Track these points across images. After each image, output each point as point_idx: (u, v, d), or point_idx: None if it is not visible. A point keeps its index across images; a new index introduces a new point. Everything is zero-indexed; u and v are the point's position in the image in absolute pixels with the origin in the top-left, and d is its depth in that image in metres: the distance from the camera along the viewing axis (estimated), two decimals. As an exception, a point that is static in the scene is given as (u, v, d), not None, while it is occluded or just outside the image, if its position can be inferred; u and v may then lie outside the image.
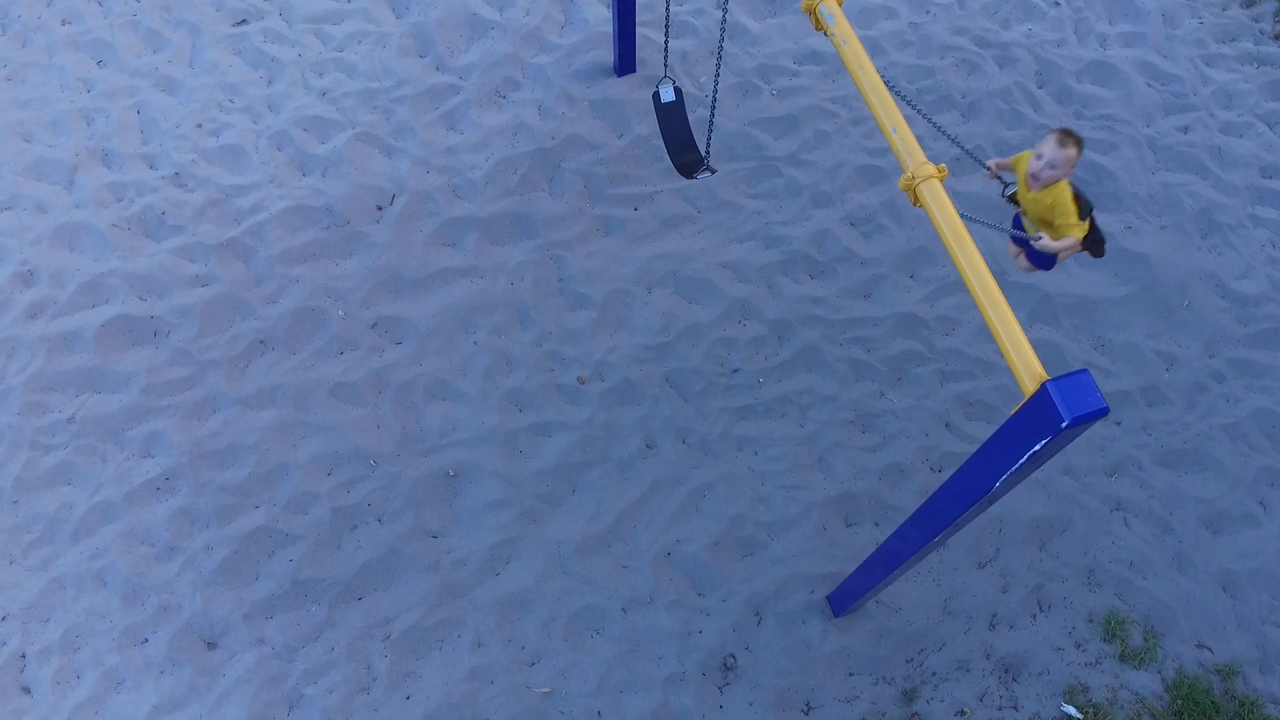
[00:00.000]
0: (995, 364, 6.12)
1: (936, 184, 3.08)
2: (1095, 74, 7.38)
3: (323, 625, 5.18)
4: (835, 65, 7.32)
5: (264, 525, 5.39)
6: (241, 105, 6.91)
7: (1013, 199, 4.46)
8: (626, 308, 6.28)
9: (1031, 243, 4.10)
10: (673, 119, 6.06)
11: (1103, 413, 2.53)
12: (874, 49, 7.40)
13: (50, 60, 7.06)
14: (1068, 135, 3.82)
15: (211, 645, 5.12)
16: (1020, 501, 5.62)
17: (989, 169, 4.45)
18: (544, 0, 7.51)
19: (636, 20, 7.00)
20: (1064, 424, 2.51)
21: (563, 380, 5.98)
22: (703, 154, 5.88)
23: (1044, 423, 2.60)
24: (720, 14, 5.02)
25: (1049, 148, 3.83)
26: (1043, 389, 2.58)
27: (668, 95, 6.05)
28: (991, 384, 6.05)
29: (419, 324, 6.10)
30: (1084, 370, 2.60)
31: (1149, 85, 7.34)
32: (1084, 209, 4.08)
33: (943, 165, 3.13)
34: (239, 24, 7.32)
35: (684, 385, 6.00)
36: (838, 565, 5.42)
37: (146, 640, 5.11)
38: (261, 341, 6.01)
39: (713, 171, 5.82)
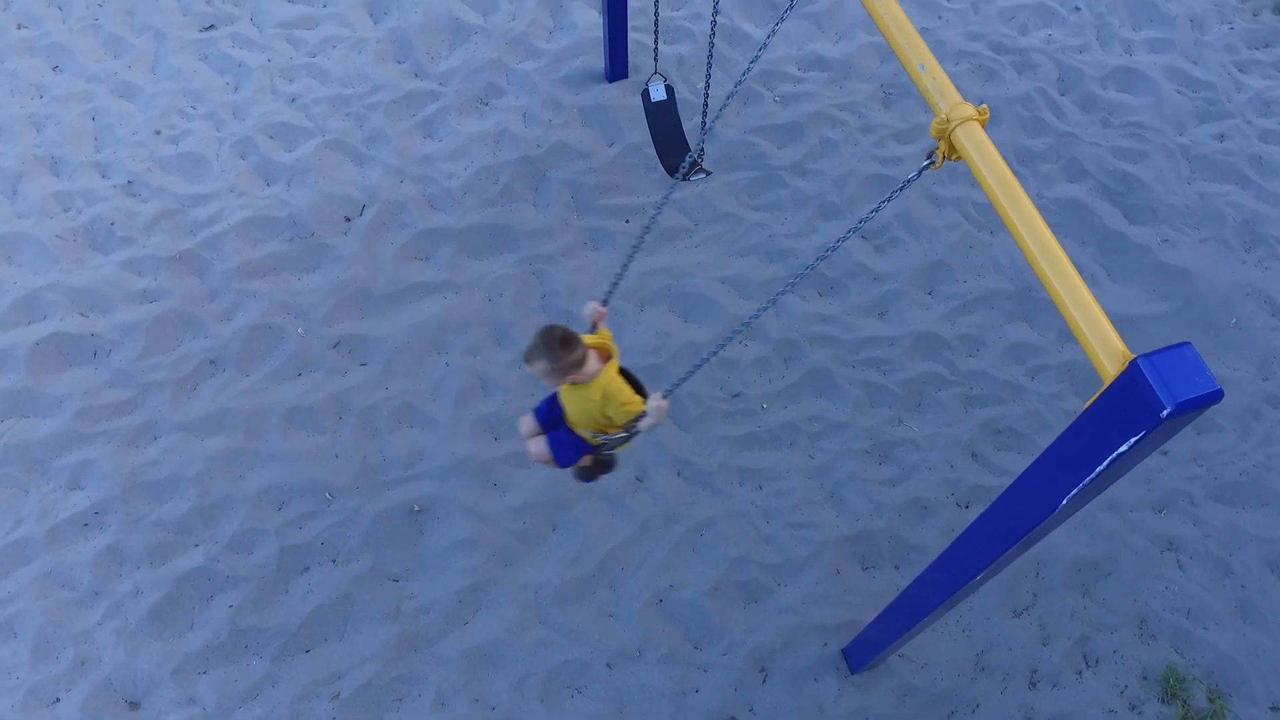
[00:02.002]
0: (1026, 388, 5.50)
1: (976, 127, 2.52)
2: (1121, 80, 6.87)
3: (263, 682, 4.51)
4: (842, 71, 6.84)
5: (202, 566, 4.76)
6: (204, 112, 6.42)
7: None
8: (616, 326, 5.69)
9: (603, 444, 3.43)
10: (664, 118, 5.56)
11: (1216, 397, 1.91)
12: (884, 54, 6.92)
13: (1, 65, 6.60)
14: (531, 349, 3.08)
15: (134, 705, 4.46)
16: (1059, 540, 4.97)
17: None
18: (531, 5, 7.07)
19: (629, 25, 6.54)
20: (1165, 412, 1.89)
21: (545, 405, 5.38)
22: (696, 154, 5.36)
23: (1137, 412, 1.96)
24: (715, 18, 4.52)
25: (528, 365, 3.15)
26: (1132, 367, 1.97)
27: (658, 93, 5.56)
28: (1022, 410, 5.43)
29: (386, 343, 5.52)
30: (1185, 344, 1.98)
31: (1179, 92, 6.83)
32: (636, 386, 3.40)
33: (984, 106, 2.57)
34: (207, 29, 6.87)
35: (680, 411, 5.39)
36: (854, 614, 4.76)
37: (58, 700, 4.44)
38: (212, 361, 5.43)
39: (707, 174, 5.30)
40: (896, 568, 4.95)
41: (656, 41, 5.19)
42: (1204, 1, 7.32)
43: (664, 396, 3.22)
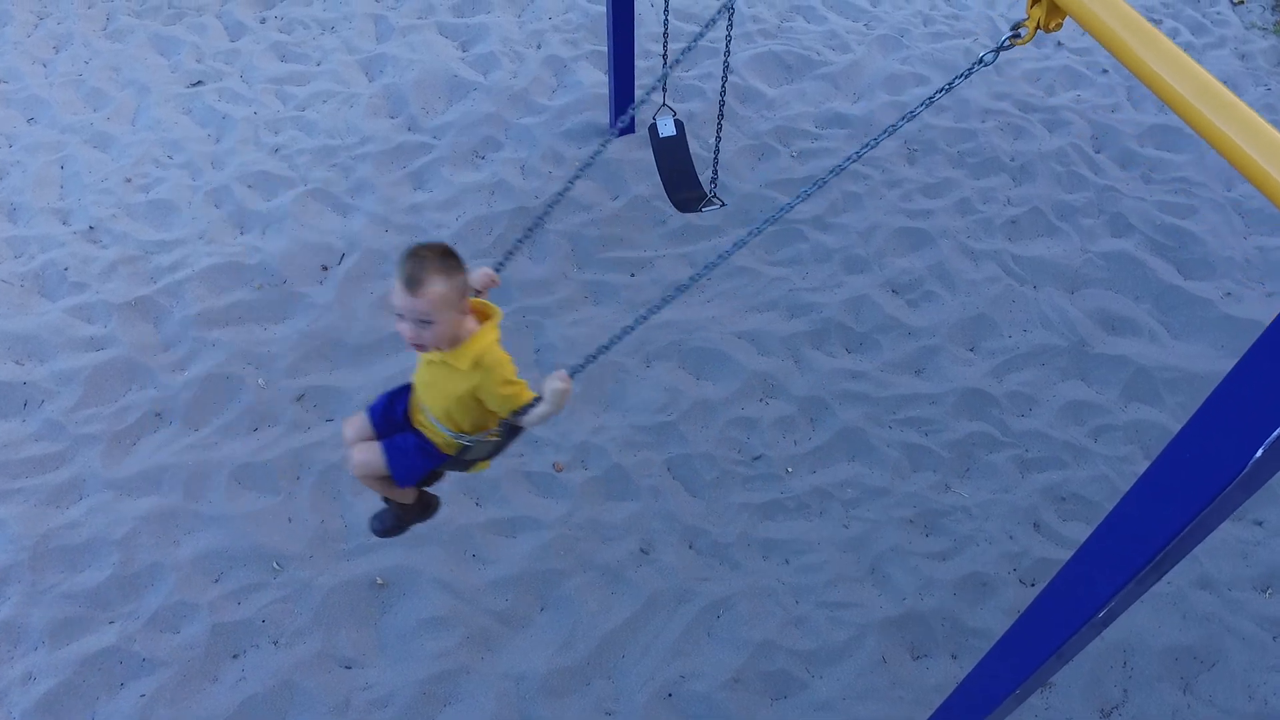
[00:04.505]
0: (1089, 450, 4.78)
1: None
2: (1159, 138, 6.46)
3: (173, 793, 3.62)
4: (862, 128, 6.44)
5: (114, 646, 3.93)
6: (181, 161, 6.00)
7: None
8: (618, 382, 5.05)
9: (467, 449, 2.57)
10: (672, 154, 5.10)
11: None
12: (905, 113, 6.54)
13: (-28, 116, 6.26)
14: (418, 263, 2.25)
15: (7, 822, 3.56)
16: (1146, 623, 4.13)
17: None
18: (534, 64, 6.78)
19: (635, 84, 6.21)
20: None
21: (533, 467, 4.66)
22: (708, 188, 4.87)
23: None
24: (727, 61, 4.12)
25: (398, 297, 2.28)
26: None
27: (666, 128, 5.12)
28: (1087, 474, 4.69)
29: (357, 396, 4.86)
30: None
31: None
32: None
33: None
34: (194, 85, 6.56)
35: (691, 475, 4.66)
36: (905, 712, 3.88)
37: (-89, 812, 3.55)
38: (157, 414, 4.75)
39: (721, 203, 4.77)
40: (954, 656, 4.09)
41: (665, 63, 4.78)
42: (1237, 65, 7.01)
43: (570, 375, 2.40)
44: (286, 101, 6.43)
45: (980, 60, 2.11)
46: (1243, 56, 7.10)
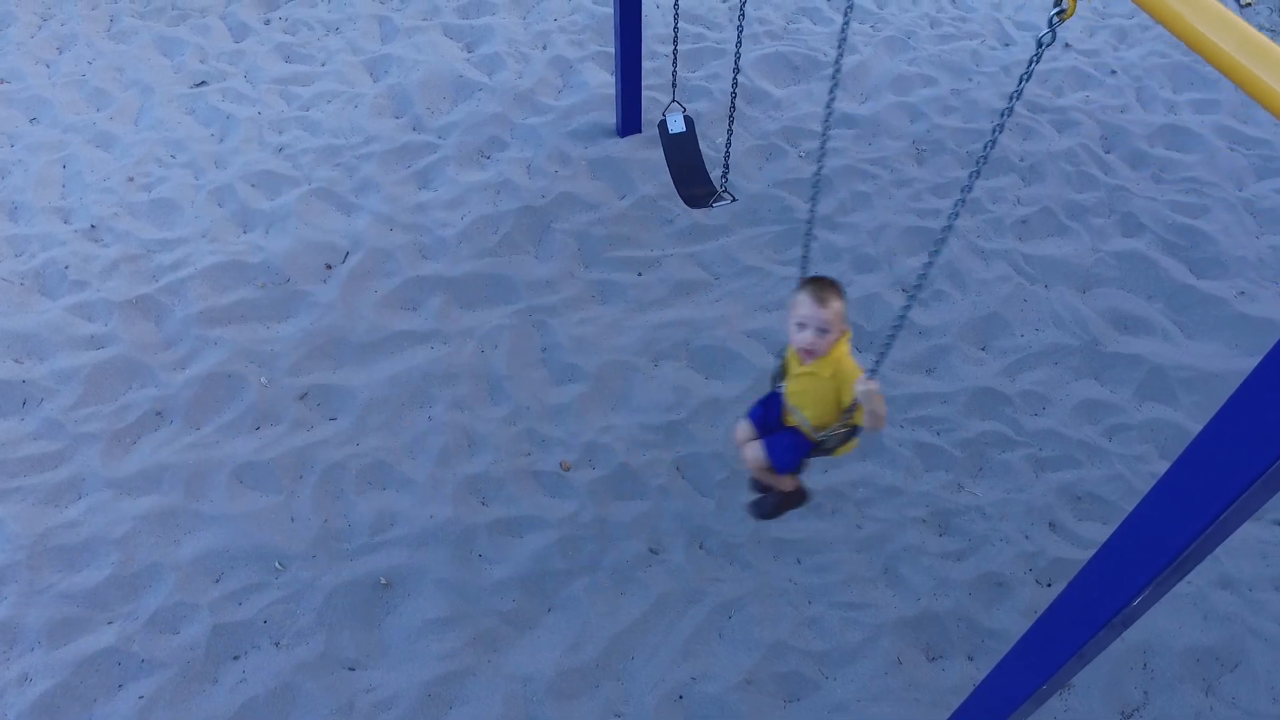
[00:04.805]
0: (1104, 449, 4.70)
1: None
2: (1169, 138, 6.41)
3: (171, 796, 3.53)
4: (870, 129, 6.40)
5: (112, 647, 3.84)
6: (184, 160, 5.96)
7: (784, 367, 3.23)
8: (626, 381, 4.98)
9: (825, 440, 3.12)
10: (682, 150, 5.04)
11: None
12: (914, 113, 6.51)
13: (-26, 116, 6.22)
14: (822, 286, 2.89)
15: (1, 826, 3.46)
16: (1166, 624, 4.05)
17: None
18: (540, 65, 6.74)
19: (643, 84, 6.17)
20: None
21: (541, 466, 4.59)
22: (719, 184, 4.81)
23: None
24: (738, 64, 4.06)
25: (807, 309, 2.88)
26: None
27: (676, 125, 5.07)
28: (1103, 473, 4.61)
29: (360, 395, 4.79)
30: None
31: (1232, 149, 6.35)
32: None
33: None
34: (198, 85, 6.52)
35: (701, 474, 4.59)
36: (921, 713, 3.79)
37: (-97, 816, 3.46)
38: (158, 413, 4.68)
39: (733, 199, 4.72)
40: (970, 658, 4.00)
41: (675, 58, 4.73)
42: (1246, 66, 6.96)
43: (869, 377, 2.84)
44: (291, 102, 6.39)
45: (1040, 43, 2.08)
46: (1251, 58, 7.05)
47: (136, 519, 4.25)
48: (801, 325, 2.89)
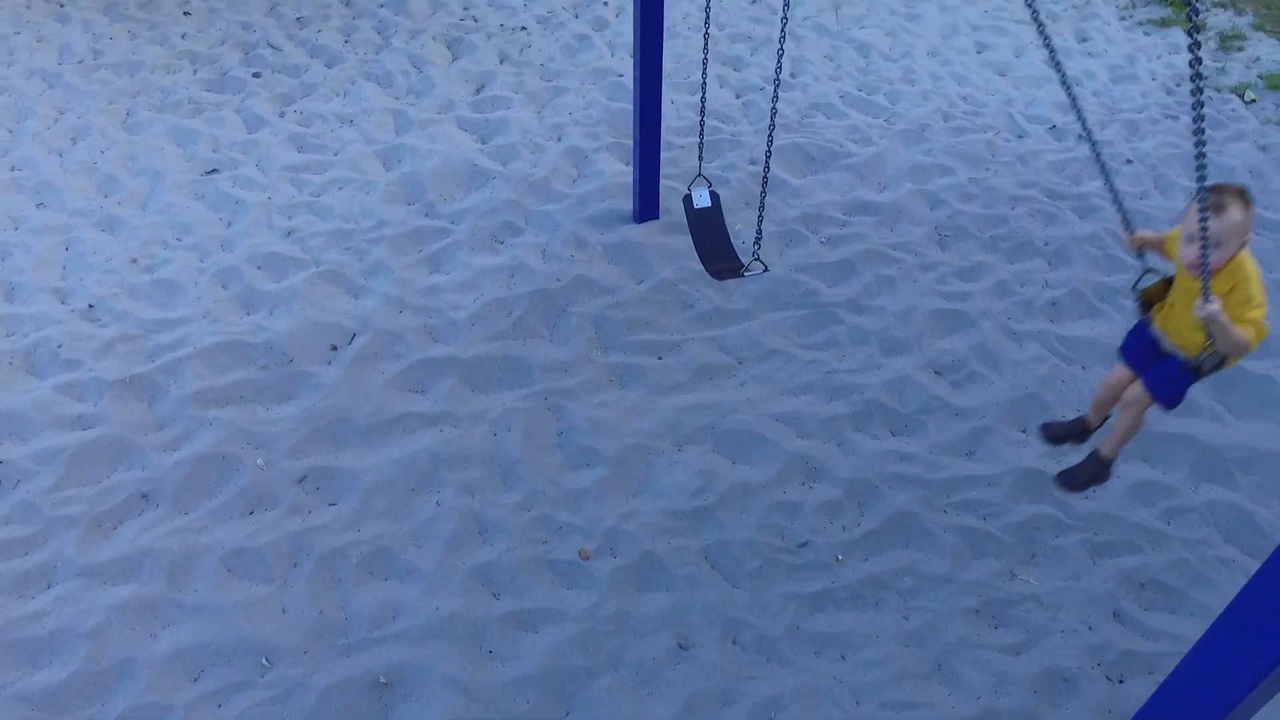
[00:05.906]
0: (1164, 534, 4.35)
1: None
2: (1194, 225, 6.31)
3: None
4: (891, 215, 6.31)
5: (72, 755, 3.39)
6: (189, 243, 5.82)
7: (1144, 299, 3.22)
8: (648, 466, 4.66)
9: (1198, 360, 2.99)
10: (708, 224, 4.89)
11: None
12: (934, 201, 6.43)
13: (-21, 201, 6.11)
14: (1221, 193, 2.74)
15: None
16: (1263, 731, 3.60)
17: (1132, 235, 3.30)
18: (554, 155, 6.71)
19: (660, 173, 6.11)
20: None
21: (558, 555, 4.22)
22: (750, 256, 4.63)
23: None
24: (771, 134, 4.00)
25: (1196, 221, 2.64)
26: None
27: (701, 199, 4.93)
28: (1166, 558, 4.24)
29: (363, 479, 4.47)
30: None
31: (1258, 235, 6.24)
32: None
33: None
34: (209, 172, 6.46)
35: (731, 563, 4.22)
36: (997, 834, 3.31)
37: None
38: (144, 495, 4.34)
39: (765, 269, 4.52)
40: (1045, 768, 3.54)
41: (702, 127, 4.63)
42: (1259, 156, 6.96)
43: (1205, 302, 2.65)
44: (302, 188, 6.31)
45: (1202, 75, 2.04)
46: (1264, 148, 7.06)
47: (110, 609, 3.84)
48: (1189, 239, 2.73)
